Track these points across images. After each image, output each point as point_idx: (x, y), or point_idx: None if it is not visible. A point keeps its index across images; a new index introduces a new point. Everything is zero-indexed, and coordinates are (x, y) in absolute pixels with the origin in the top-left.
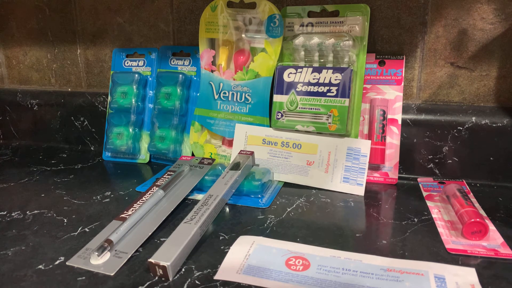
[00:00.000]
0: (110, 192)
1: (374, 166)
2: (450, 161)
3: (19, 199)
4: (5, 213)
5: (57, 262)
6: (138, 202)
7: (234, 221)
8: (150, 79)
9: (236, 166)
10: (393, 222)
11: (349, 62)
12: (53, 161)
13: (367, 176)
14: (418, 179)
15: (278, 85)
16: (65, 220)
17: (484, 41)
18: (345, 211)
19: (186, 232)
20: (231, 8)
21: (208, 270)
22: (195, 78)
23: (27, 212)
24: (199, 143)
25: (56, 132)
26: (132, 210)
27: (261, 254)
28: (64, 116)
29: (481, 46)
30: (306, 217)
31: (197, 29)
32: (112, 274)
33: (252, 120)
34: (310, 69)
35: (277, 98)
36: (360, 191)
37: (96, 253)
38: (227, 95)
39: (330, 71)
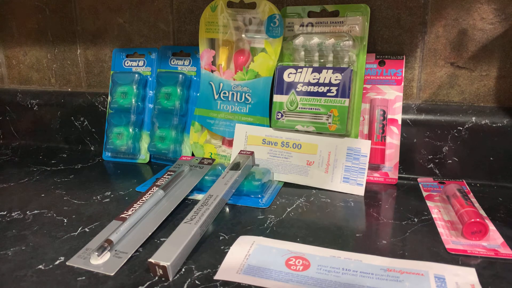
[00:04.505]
0: (110, 192)
1: (374, 166)
2: (450, 161)
3: (19, 199)
4: (5, 213)
5: (57, 262)
6: (138, 202)
7: (234, 221)
8: (150, 79)
9: (236, 166)
10: (393, 222)
11: (349, 62)
12: (53, 161)
13: (367, 176)
14: (418, 179)
15: (278, 85)
16: (65, 220)
17: (484, 41)
18: (345, 211)
19: (186, 232)
20: (231, 8)
21: (208, 270)
22: (195, 78)
23: (27, 212)
24: (199, 143)
25: (56, 132)
26: (132, 210)
27: (261, 254)
28: (64, 116)
29: (481, 46)
30: (306, 217)
31: (197, 29)
32: (112, 274)
33: (252, 120)
34: (310, 69)
35: (277, 98)
36: (360, 191)
37: (96, 253)
38: (227, 95)
39: (330, 71)
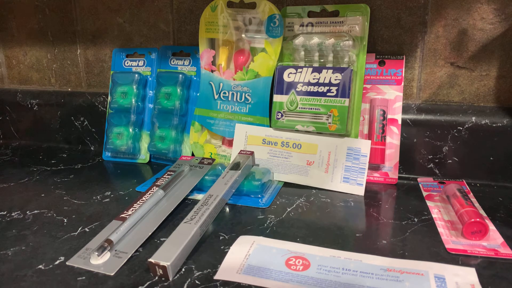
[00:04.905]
0: (110, 192)
1: (374, 166)
2: (450, 161)
3: (19, 199)
4: (5, 213)
5: (57, 262)
6: (138, 202)
7: (234, 221)
8: (150, 79)
9: (236, 166)
10: (393, 222)
11: (349, 62)
12: (53, 161)
13: (367, 176)
14: (418, 179)
15: (278, 85)
16: (65, 220)
17: (484, 41)
18: (345, 211)
19: (186, 232)
20: (231, 8)
21: (208, 270)
22: (195, 78)
23: (27, 212)
24: (199, 143)
25: (56, 132)
26: (132, 210)
27: (261, 254)
28: (64, 116)
29: (481, 46)
30: (306, 217)
31: (197, 29)
32: (112, 274)
33: (252, 120)
34: (310, 69)
35: (277, 98)
36: (360, 191)
37: (96, 253)
38: (227, 95)
39: (330, 71)
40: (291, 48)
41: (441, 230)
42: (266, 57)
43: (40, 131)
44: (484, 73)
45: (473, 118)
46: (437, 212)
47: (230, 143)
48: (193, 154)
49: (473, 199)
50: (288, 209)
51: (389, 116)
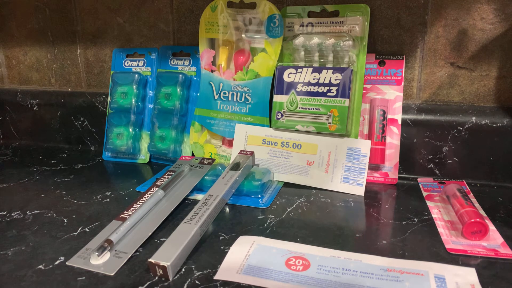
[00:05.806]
0: (110, 192)
1: (374, 166)
2: (450, 161)
3: (19, 199)
4: (5, 213)
5: (57, 262)
6: (138, 202)
7: (234, 221)
8: (150, 79)
9: (236, 166)
10: (393, 222)
11: (349, 62)
12: (53, 161)
13: (367, 176)
14: (418, 179)
15: (278, 85)
16: (65, 220)
17: (484, 41)
18: (345, 211)
19: (186, 232)
20: (231, 8)
21: (208, 270)
22: (195, 78)
23: (27, 212)
24: (199, 143)
25: (56, 132)
26: (132, 210)
27: (261, 254)
28: (64, 116)
29: (481, 46)
30: (306, 217)
31: (197, 29)
32: (112, 274)
33: (252, 120)
34: (310, 69)
35: (277, 98)
36: (360, 191)
37: (96, 253)
38: (227, 95)
39: (330, 71)
40: (291, 48)
41: (441, 230)
42: (266, 57)
43: (40, 131)
44: (484, 73)
45: (473, 118)
46: (437, 212)
47: (230, 143)
48: (193, 154)
49: (473, 199)
50: (288, 209)
51: (389, 116)
